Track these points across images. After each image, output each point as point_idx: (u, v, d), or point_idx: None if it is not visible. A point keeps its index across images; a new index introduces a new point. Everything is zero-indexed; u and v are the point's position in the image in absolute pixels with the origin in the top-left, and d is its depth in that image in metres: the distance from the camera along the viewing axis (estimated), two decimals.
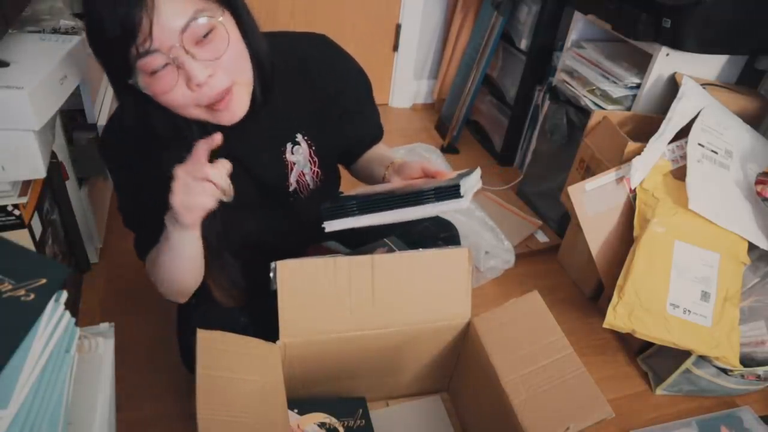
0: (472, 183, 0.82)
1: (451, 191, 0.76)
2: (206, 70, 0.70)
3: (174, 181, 0.73)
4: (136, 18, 0.66)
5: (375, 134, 1.07)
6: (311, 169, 0.98)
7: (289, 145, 0.94)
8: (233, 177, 0.89)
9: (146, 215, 0.89)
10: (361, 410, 0.99)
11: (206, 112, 0.76)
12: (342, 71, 0.96)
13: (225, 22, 0.72)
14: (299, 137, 0.95)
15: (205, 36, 0.70)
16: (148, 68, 0.69)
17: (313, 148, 0.97)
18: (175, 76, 0.70)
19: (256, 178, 0.94)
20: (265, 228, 1.01)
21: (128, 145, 0.84)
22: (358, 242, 1.14)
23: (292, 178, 0.97)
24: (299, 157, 0.96)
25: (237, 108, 0.77)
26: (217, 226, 0.89)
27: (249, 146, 0.90)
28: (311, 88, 0.91)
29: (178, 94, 0.72)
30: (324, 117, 0.95)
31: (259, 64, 0.80)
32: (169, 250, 0.82)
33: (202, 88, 0.71)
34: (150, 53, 0.68)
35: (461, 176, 0.80)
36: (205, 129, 0.82)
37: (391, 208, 0.80)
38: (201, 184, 0.73)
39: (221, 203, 0.81)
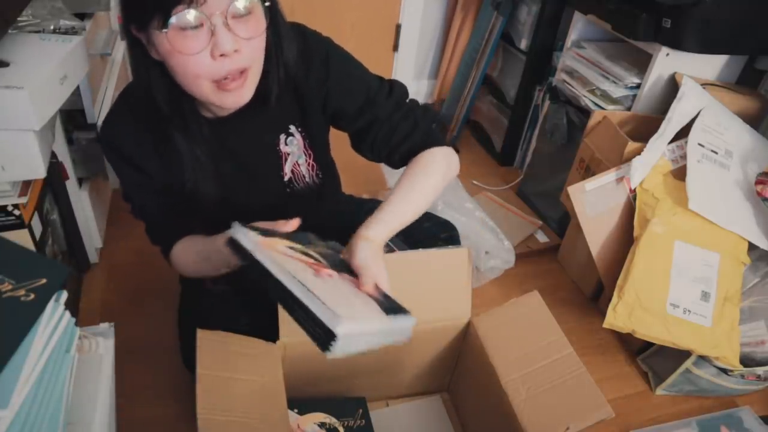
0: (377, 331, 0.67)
1: (321, 336, 0.60)
2: (234, 44, 0.71)
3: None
4: None
5: (372, 113, 0.92)
6: (306, 160, 0.98)
7: (282, 137, 0.94)
8: (228, 168, 0.91)
9: (152, 205, 0.92)
10: (361, 410, 0.99)
11: (214, 89, 0.75)
12: (329, 65, 0.91)
13: (264, 11, 0.74)
14: (293, 128, 0.95)
15: (243, 16, 0.71)
16: (184, 23, 0.69)
17: (308, 140, 0.97)
18: (205, 41, 0.70)
19: (249, 168, 0.94)
20: (264, 220, 1.00)
21: (129, 131, 0.85)
22: None
23: (287, 168, 0.96)
24: (293, 147, 0.95)
25: (245, 92, 0.78)
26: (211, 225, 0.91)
27: (244, 138, 0.91)
28: (303, 79, 0.90)
29: (199, 60, 0.71)
30: (315, 108, 0.94)
31: (285, 64, 0.83)
32: (210, 269, 0.89)
33: (224, 60, 0.72)
34: (196, 8, 0.68)
35: (391, 312, 0.69)
36: (199, 117, 0.84)
37: (276, 298, 0.66)
38: None
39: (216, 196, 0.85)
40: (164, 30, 0.69)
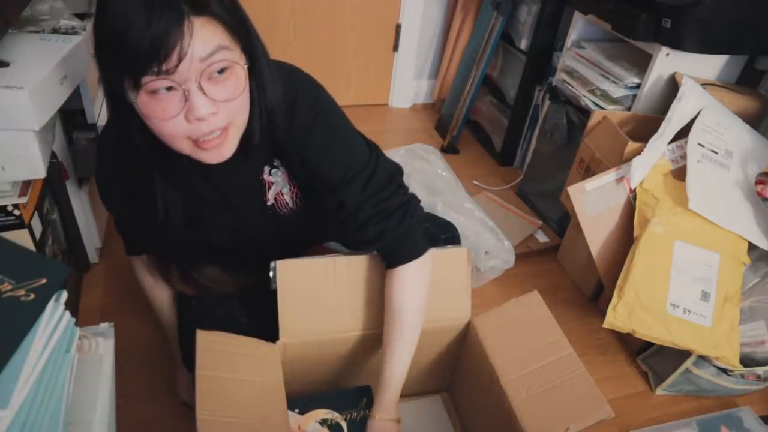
0: None
1: None
2: (211, 107, 0.67)
3: None
4: (171, 41, 0.61)
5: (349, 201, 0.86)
6: (290, 189, 0.92)
7: (266, 168, 0.89)
8: (209, 198, 0.90)
9: (130, 225, 0.94)
10: (365, 399, 0.97)
11: (192, 146, 0.72)
12: (308, 125, 0.83)
13: (243, 68, 0.69)
14: (277, 162, 0.89)
15: (220, 72, 0.67)
16: (154, 86, 0.65)
17: (290, 172, 0.90)
18: (178, 105, 0.66)
19: (231, 196, 0.90)
20: (247, 239, 0.97)
21: (112, 162, 0.86)
22: None
23: (270, 195, 0.91)
24: (278, 178, 0.90)
25: (226, 150, 0.74)
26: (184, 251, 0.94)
27: (227, 173, 0.84)
28: (284, 133, 0.83)
29: (174, 123, 0.67)
30: (294, 161, 0.86)
31: (268, 115, 0.77)
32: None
33: (201, 122, 0.68)
34: (167, 77, 0.64)
35: None
36: (181, 159, 0.77)
37: None
38: None
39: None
40: (136, 96, 0.65)
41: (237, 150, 0.76)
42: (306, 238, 1.10)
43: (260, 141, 0.79)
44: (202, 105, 0.66)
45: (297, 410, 0.94)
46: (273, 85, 0.77)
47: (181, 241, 0.90)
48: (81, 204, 1.33)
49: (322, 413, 0.95)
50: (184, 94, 0.65)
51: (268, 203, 0.91)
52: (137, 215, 0.88)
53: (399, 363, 0.91)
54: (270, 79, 0.76)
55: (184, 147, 0.71)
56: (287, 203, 0.92)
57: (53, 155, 1.13)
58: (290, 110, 0.81)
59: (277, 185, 0.90)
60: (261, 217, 0.93)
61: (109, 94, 0.72)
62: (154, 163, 0.78)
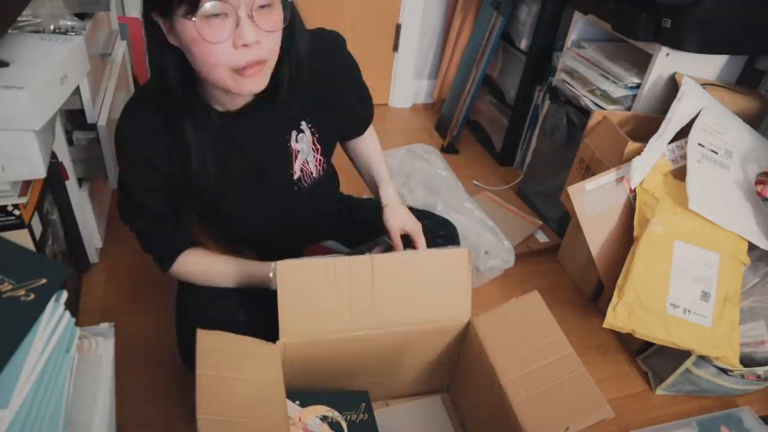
0: None
1: None
2: (256, 35, 0.74)
3: None
4: None
5: (368, 117, 1.13)
6: (314, 156, 1.00)
7: (294, 133, 0.96)
8: (238, 166, 0.92)
9: (158, 212, 0.92)
10: (363, 404, 0.98)
11: (232, 75, 0.77)
12: (344, 63, 1.00)
13: (280, 8, 0.77)
14: (303, 125, 0.96)
15: (264, 6, 0.74)
16: (211, 12, 0.71)
17: (317, 135, 0.99)
18: (229, 31, 0.73)
19: (260, 166, 0.95)
20: (268, 221, 1.02)
21: (142, 129, 0.86)
22: (358, 241, 1.14)
23: (296, 166, 0.99)
24: (303, 144, 0.97)
25: (261, 81, 0.81)
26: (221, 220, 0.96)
27: (255, 134, 0.92)
28: (315, 77, 0.93)
29: (220, 49, 0.74)
30: (325, 105, 0.97)
31: (297, 59, 0.86)
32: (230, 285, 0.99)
33: (245, 50, 0.74)
34: (222, 0, 0.70)
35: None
36: (209, 108, 0.86)
37: None
38: None
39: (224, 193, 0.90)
40: (192, 18, 0.71)
41: (265, 96, 0.85)
42: (316, 223, 1.15)
43: (288, 96, 0.88)
44: (251, 32, 0.73)
45: (297, 402, 0.94)
46: (303, 38, 0.86)
47: (217, 209, 0.96)
48: (81, 204, 1.33)
49: (323, 410, 0.95)
50: (235, 20, 0.72)
51: (295, 176, 0.99)
52: (175, 196, 0.90)
53: (383, 164, 1.14)
54: (301, 30, 0.85)
55: (225, 77, 0.77)
56: (311, 172, 1.01)
57: (53, 155, 1.13)
58: (331, 54, 0.95)
59: (302, 153, 0.98)
60: (287, 193, 0.99)
61: (150, 35, 0.78)
62: (186, 109, 0.84)
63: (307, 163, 1.00)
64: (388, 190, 1.10)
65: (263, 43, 0.76)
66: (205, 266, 1.00)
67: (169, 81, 0.80)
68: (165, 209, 0.92)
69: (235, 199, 0.97)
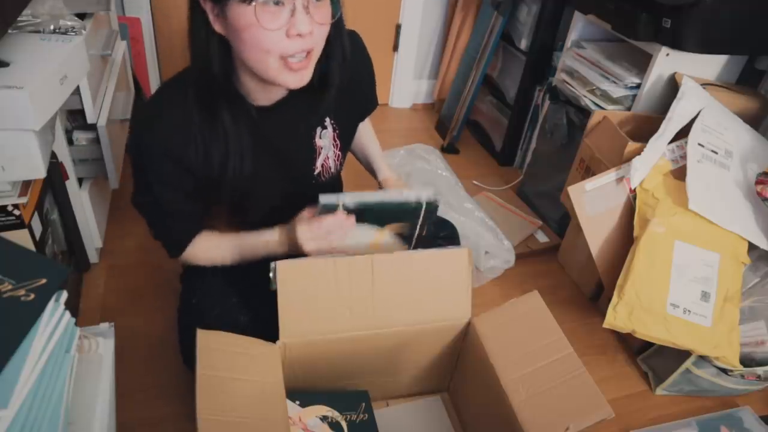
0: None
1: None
2: (309, 26, 0.76)
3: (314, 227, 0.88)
4: None
5: (373, 107, 1.15)
6: (334, 152, 1.02)
7: (318, 129, 0.98)
8: (266, 161, 0.94)
9: (174, 203, 0.92)
10: (363, 404, 0.98)
11: (280, 66, 0.78)
12: (365, 59, 1.03)
13: (329, 4, 0.79)
14: (327, 121, 0.98)
15: (319, 1, 0.76)
16: None
17: (338, 131, 1.01)
18: (284, 19, 0.74)
19: (285, 162, 0.97)
20: (285, 215, 1.01)
21: (170, 121, 0.85)
22: None
23: (318, 163, 1.00)
24: (326, 141, 1.00)
25: (307, 74, 0.82)
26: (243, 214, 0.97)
27: (285, 130, 0.94)
28: (355, 72, 0.96)
29: (273, 36, 0.75)
30: (347, 101, 0.99)
31: (343, 55, 0.88)
32: (247, 259, 0.98)
33: (297, 39, 0.76)
34: None
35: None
36: (245, 100, 0.87)
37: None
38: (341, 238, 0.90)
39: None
40: (252, 2, 0.72)
41: (305, 96, 0.87)
42: None
43: (321, 94, 0.91)
44: (306, 22, 0.75)
45: (297, 402, 0.94)
46: (346, 34, 0.89)
47: (237, 200, 0.96)
48: (81, 204, 1.33)
49: (323, 410, 0.95)
50: (291, 10, 0.74)
51: (315, 172, 1.01)
52: (196, 190, 0.91)
53: (376, 143, 1.20)
54: (344, 27, 0.88)
55: (272, 65, 0.78)
56: (330, 168, 1.03)
57: (53, 155, 1.13)
58: (358, 50, 0.99)
59: (325, 149, 1.01)
60: (306, 188, 1.01)
61: (195, 20, 0.79)
62: (225, 98, 0.84)
63: (328, 158, 1.02)
64: (382, 165, 1.18)
65: (314, 34, 0.78)
66: (212, 247, 1.00)
67: (214, 68, 0.81)
68: (182, 205, 0.92)
69: (258, 194, 0.97)
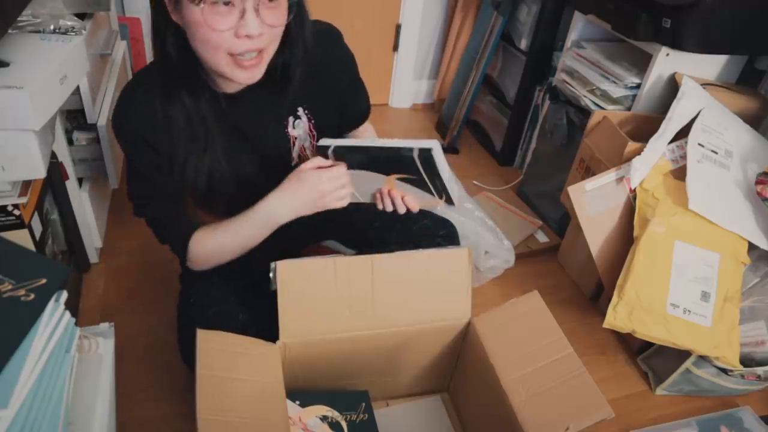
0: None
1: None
2: (259, 28, 0.76)
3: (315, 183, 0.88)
4: None
5: (366, 110, 1.14)
6: (311, 143, 1.02)
7: (291, 119, 0.97)
8: (237, 151, 0.94)
9: (168, 194, 0.93)
10: (363, 404, 0.98)
11: (230, 63, 0.79)
12: (340, 53, 1.02)
13: (286, 4, 0.79)
14: (300, 111, 0.98)
15: (271, 1, 0.76)
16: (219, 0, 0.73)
17: (312, 122, 1.00)
18: (231, 21, 0.75)
19: (259, 151, 0.97)
20: None
21: (141, 108, 0.86)
22: (359, 242, 1.14)
23: (295, 153, 1.00)
24: (300, 131, 0.99)
25: (258, 72, 0.82)
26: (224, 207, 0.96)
27: (253, 119, 0.94)
28: (310, 65, 0.94)
29: (222, 36, 0.76)
30: (321, 93, 0.99)
31: (303, 49, 0.89)
32: (248, 239, 0.95)
33: (246, 39, 0.77)
34: None
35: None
36: (208, 87, 0.88)
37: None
38: (339, 191, 0.90)
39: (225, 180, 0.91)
40: (200, 5, 0.73)
41: (264, 82, 0.85)
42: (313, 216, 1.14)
43: (286, 83, 0.90)
44: (255, 24, 0.76)
45: (297, 402, 0.94)
46: (309, 30, 0.89)
47: (218, 188, 0.95)
48: (81, 204, 1.33)
49: (323, 410, 0.95)
50: (241, 12, 0.75)
51: (293, 163, 1.01)
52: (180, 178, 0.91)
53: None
54: (308, 22, 0.88)
55: (222, 61, 0.79)
56: (308, 158, 1.01)
57: (53, 155, 1.13)
58: (326, 43, 0.97)
59: (300, 140, 1.00)
60: (283, 177, 0.99)
61: (156, 10, 0.80)
62: (185, 84, 0.85)
63: (305, 149, 1.01)
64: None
65: (265, 35, 0.78)
66: (217, 235, 0.98)
67: (170, 56, 0.82)
68: (173, 187, 0.93)
69: (238, 181, 0.97)
